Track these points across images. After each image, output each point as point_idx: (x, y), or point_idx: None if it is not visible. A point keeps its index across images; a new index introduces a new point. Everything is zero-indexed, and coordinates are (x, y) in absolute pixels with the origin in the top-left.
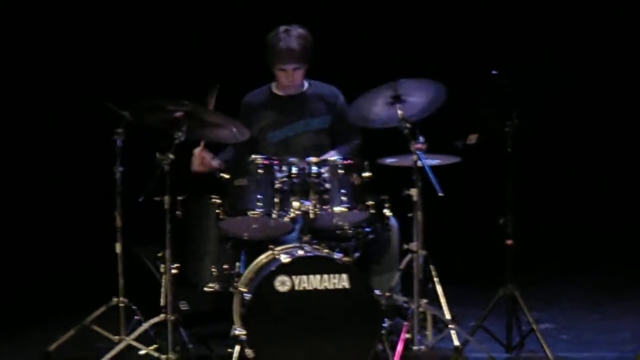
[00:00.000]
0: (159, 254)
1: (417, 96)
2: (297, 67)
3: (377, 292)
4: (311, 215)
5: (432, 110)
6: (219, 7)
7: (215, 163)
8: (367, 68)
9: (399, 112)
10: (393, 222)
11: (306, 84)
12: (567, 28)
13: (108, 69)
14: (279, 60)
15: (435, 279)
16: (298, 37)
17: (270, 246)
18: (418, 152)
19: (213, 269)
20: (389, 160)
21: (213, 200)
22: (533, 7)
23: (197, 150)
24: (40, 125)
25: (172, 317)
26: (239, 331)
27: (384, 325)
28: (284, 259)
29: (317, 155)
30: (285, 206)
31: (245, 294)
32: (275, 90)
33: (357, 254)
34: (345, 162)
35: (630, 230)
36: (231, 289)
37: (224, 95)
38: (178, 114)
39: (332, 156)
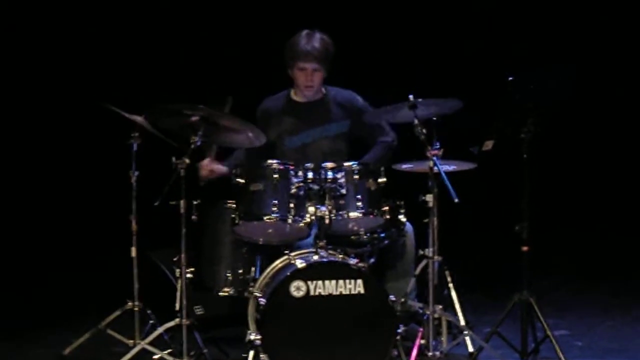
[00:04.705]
0: (174, 258)
1: (433, 107)
2: (317, 69)
3: (392, 297)
4: (327, 221)
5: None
6: (233, 13)
7: (223, 169)
8: (384, 74)
9: (415, 120)
10: (409, 227)
11: (324, 90)
12: (584, 33)
13: (123, 73)
14: (300, 59)
15: (451, 285)
16: (321, 40)
17: (285, 251)
18: (434, 158)
19: (228, 274)
20: (405, 166)
21: (229, 204)
22: (550, 13)
23: (205, 162)
24: (57, 129)
25: (187, 322)
26: (253, 336)
27: (399, 331)
28: (300, 264)
29: (335, 161)
30: (300, 211)
31: (260, 299)
32: (293, 97)
33: (372, 260)
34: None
35: None
36: (246, 294)
37: (238, 101)
38: (194, 118)
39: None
